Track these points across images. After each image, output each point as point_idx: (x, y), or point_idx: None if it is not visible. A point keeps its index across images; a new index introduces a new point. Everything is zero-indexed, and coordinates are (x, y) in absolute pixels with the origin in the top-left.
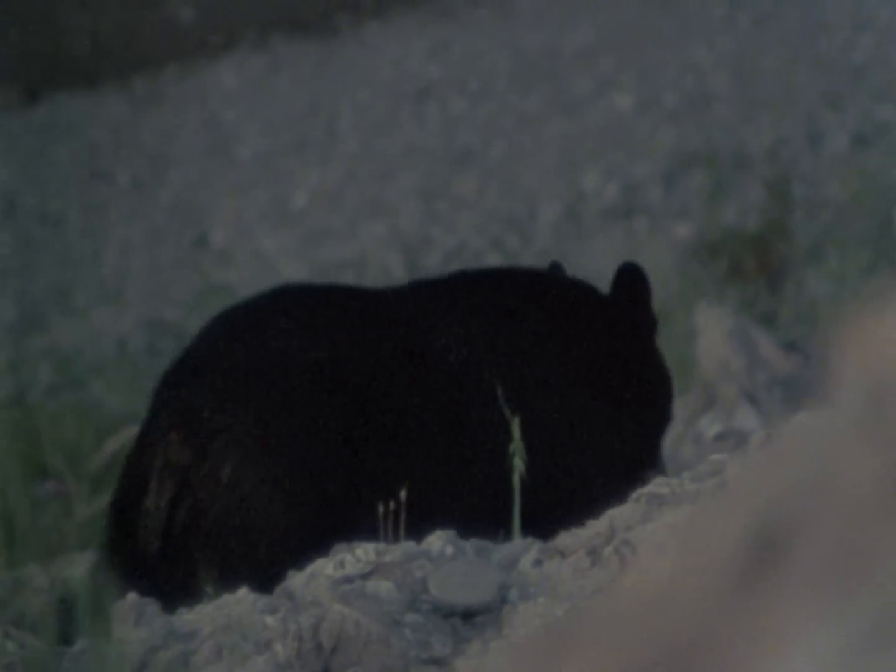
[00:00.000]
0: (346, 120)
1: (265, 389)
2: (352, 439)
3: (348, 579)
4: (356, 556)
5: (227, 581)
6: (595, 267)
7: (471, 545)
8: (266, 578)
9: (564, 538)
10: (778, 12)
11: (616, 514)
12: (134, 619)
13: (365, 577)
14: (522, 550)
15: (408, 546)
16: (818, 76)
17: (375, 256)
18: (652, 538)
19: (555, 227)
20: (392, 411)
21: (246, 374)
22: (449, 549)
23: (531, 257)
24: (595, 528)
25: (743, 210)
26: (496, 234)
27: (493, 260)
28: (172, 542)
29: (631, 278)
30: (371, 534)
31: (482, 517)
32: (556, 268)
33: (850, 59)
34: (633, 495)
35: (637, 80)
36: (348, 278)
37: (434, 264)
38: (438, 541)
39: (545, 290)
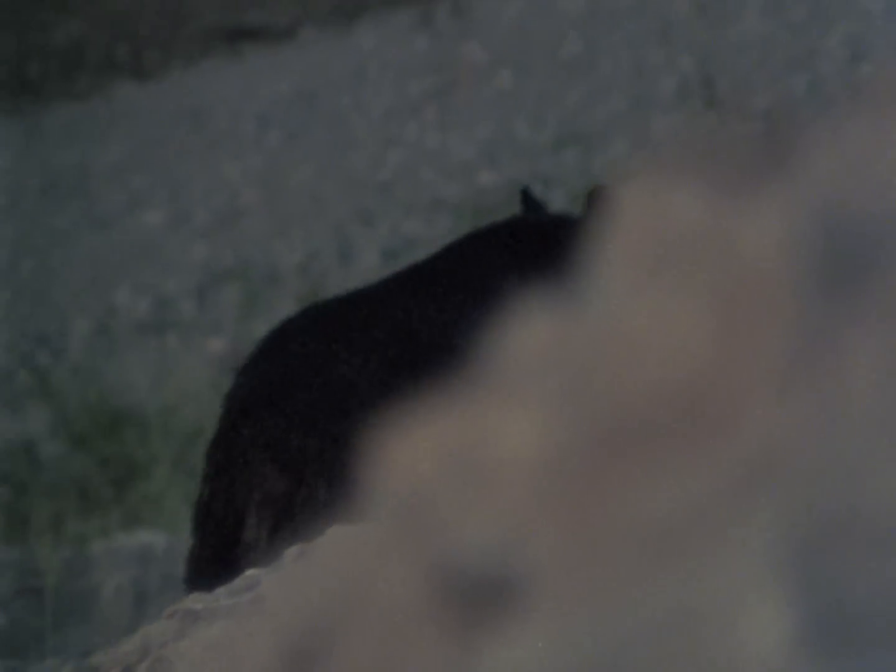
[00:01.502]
0: None
1: (335, 412)
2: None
3: None
4: None
5: None
6: (129, 381)
7: (1, 666)
8: None
9: (99, 656)
10: (307, 129)
11: (150, 631)
12: None
13: None
14: (55, 670)
15: None
16: (348, 192)
17: None
18: (188, 655)
19: (87, 343)
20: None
21: (316, 400)
22: None
23: (63, 373)
24: (129, 645)
25: (274, 323)
26: (27, 350)
27: (22, 379)
28: None
29: (597, 198)
30: None
31: None
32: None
33: (378, 175)
34: (167, 611)
35: (168, 196)
36: None
37: None
38: None
39: (514, 245)
